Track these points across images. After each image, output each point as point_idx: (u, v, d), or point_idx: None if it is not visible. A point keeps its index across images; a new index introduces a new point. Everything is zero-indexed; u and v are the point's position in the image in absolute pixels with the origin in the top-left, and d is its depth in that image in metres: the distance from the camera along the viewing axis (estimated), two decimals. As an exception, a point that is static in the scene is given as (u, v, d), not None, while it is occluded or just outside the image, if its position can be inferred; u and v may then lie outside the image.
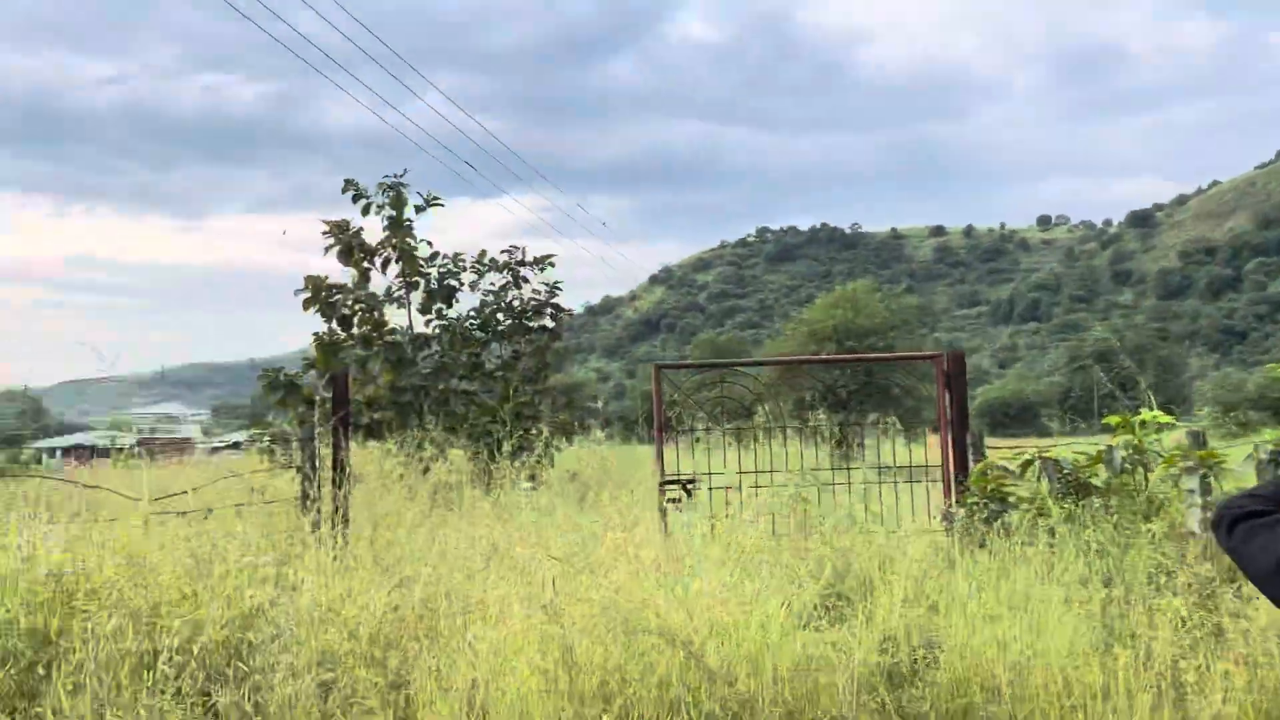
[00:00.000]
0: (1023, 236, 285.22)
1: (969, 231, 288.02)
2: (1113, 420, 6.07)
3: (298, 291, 14.72)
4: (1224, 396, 69.27)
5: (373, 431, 13.85)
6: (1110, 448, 5.82)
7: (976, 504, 6.05)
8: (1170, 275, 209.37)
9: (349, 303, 14.24)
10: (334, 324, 14.52)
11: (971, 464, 7.28)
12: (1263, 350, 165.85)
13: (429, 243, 14.88)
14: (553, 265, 15.60)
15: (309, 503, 6.96)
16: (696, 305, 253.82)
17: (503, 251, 15.49)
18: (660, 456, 7.47)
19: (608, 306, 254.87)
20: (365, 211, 14.67)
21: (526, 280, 15.33)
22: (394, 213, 14.60)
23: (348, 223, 14.33)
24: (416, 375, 14.20)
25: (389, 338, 14.50)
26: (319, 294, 14.42)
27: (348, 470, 7.22)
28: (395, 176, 14.70)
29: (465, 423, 14.31)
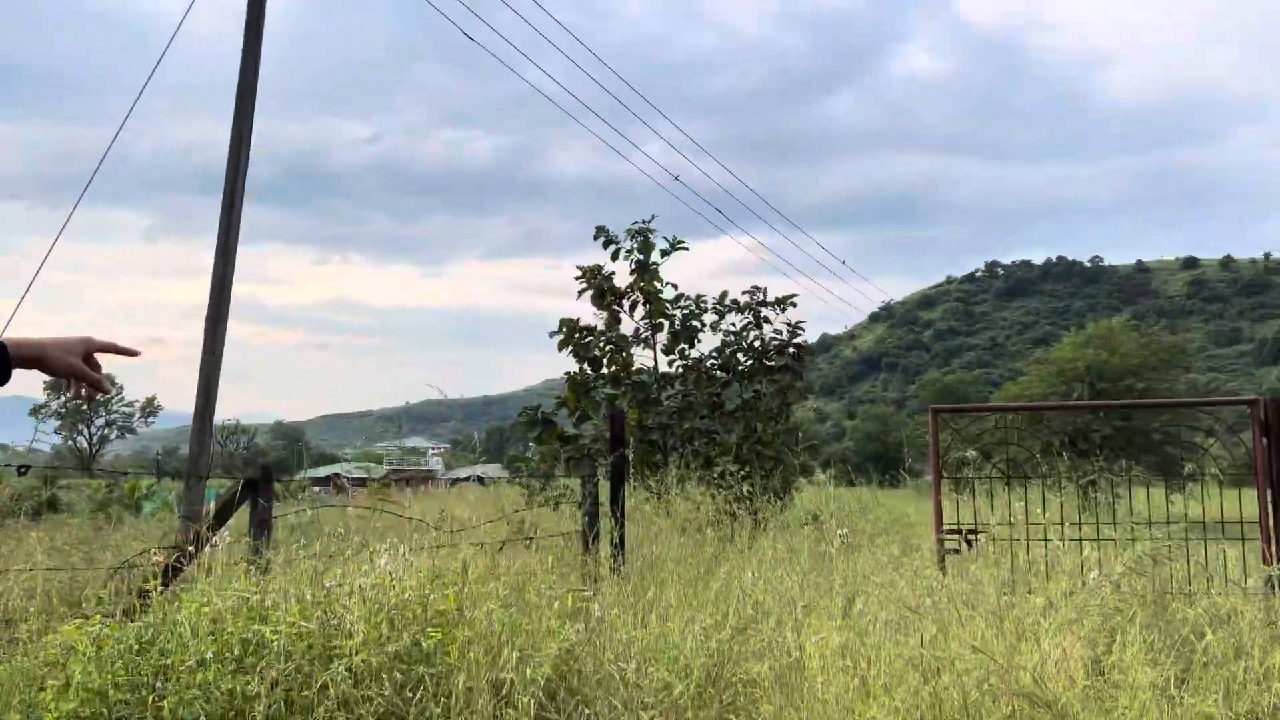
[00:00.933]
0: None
1: (1227, 263, 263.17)
2: None
3: (552, 334, 15.47)
4: None
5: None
6: None
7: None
8: None
9: (600, 344, 14.78)
10: (585, 365, 15.12)
11: (1295, 522, 6.58)
12: None
13: (674, 285, 15.25)
14: (794, 305, 15.57)
15: (592, 540, 7.20)
16: (920, 344, 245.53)
17: (744, 292, 15.63)
18: (938, 505, 7.21)
19: (825, 345, 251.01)
20: (615, 256, 15.25)
21: (768, 320, 15.38)
22: (641, 257, 15.08)
23: (600, 267, 14.92)
24: (662, 414, 14.50)
25: (636, 377, 14.92)
26: (572, 336, 15.08)
27: (626, 508, 7.42)
28: (643, 222, 15.22)
29: (707, 462, 14.47)
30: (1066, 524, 7.23)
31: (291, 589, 4.04)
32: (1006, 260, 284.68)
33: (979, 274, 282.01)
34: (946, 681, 2.95)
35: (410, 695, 3.47)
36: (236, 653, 3.62)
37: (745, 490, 11.88)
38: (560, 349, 15.27)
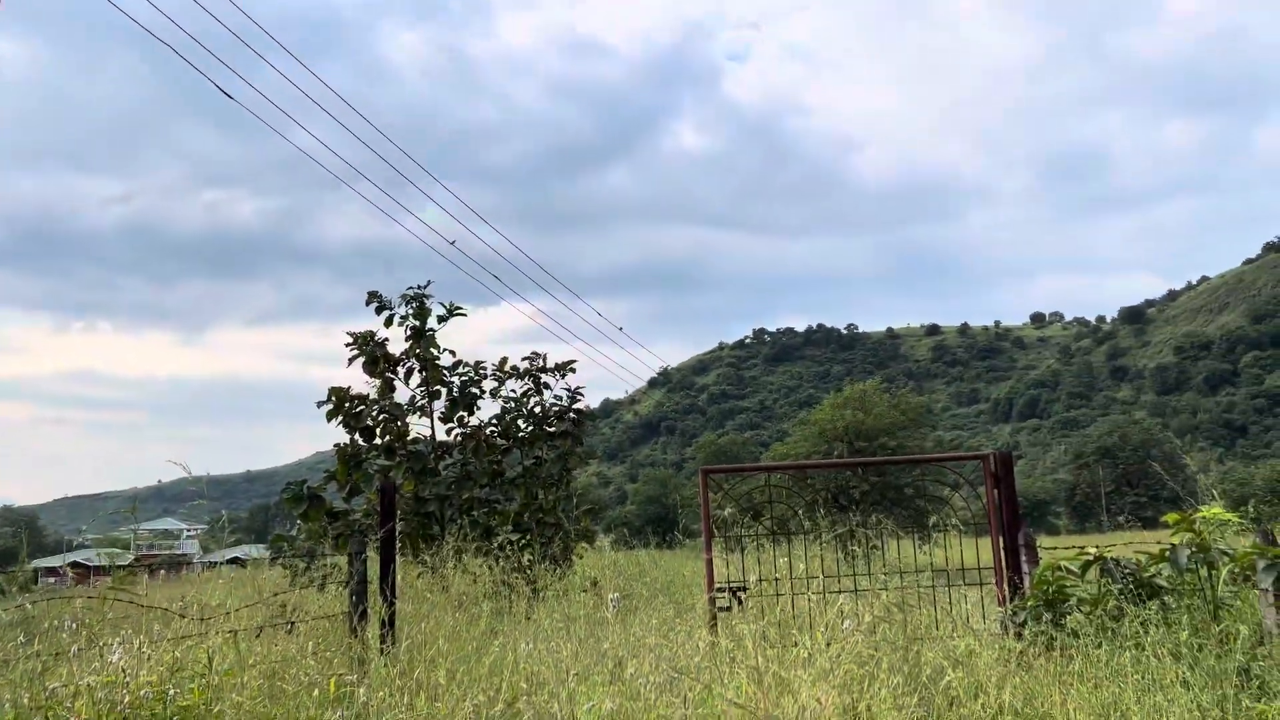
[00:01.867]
0: (1018, 334, 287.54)
1: (964, 330, 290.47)
2: (1172, 518, 6.03)
3: (320, 403, 14.77)
4: (1233, 491, 69.14)
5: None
6: (1174, 546, 5.77)
7: (1038, 606, 5.96)
8: (1167, 370, 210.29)
9: (374, 413, 14.27)
10: (357, 435, 14.53)
11: (1025, 565, 7.20)
12: (1264, 444, 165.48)
13: (452, 351, 15.01)
14: (573, 371, 15.71)
15: (358, 620, 6.85)
16: (696, 407, 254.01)
17: (524, 358, 15.62)
18: (709, 564, 7.39)
19: (607, 410, 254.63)
20: (388, 323, 14.84)
21: (548, 386, 15.43)
22: (417, 323, 14.77)
23: (372, 334, 14.48)
24: (440, 484, 14.13)
25: (411, 447, 14.48)
26: (342, 405, 14.48)
27: (397, 585, 7.12)
28: (419, 287, 14.95)
29: (487, 532, 14.21)
30: (824, 576, 7.59)
31: (6, 694, 3.58)
32: (773, 327, 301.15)
33: (748, 340, 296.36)
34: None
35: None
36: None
37: (525, 559, 11.74)
38: (330, 419, 14.60)
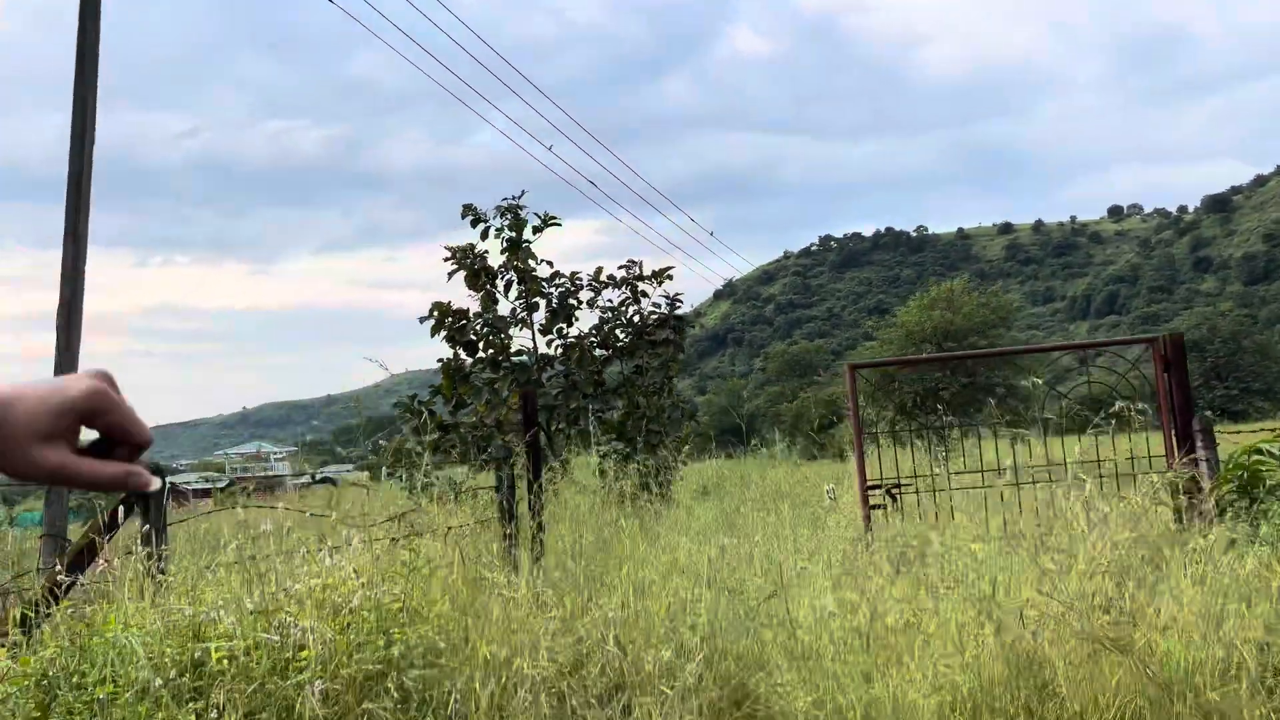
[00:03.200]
0: (1095, 229, 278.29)
1: (1038, 227, 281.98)
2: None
3: (423, 319, 14.78)
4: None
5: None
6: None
7: (1231, 494, 5.62)
8: (1255, 260, 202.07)
9: (477, 327, 14.22)
10: (459, 350, 14.53)
11: (1202, 452, 6.83)
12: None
13: (549, 263, 14.81)
14: (670, 278, 15.44)
15: (511, 527, 6.80)
16: (763, 318, 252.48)
17: (620, 267, 15.38)
18: (861, 460, 7.16)
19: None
20: (484, 235, 14.68)
21: (645, 294, 15.19)
22: (513, 234, 14.57)
23: (472, 246, 14.34)
24: (545, 395, 14.10)
25: (515, 359, 14.45)
26: (444, 320, 14.45)
27: (544, 491, 7.05)
28: (513, 198, 14.69)
29: (595, 440, 14.20)
30: (984, 470, 7.30)
31: (224, 599, 3.52)
32: (838, 234, 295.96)
33: (814, 248, 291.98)
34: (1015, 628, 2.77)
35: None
36: (172, 676, 3.10)
37: (642, 466, 11.72)
38: (433, 334, 14.62)
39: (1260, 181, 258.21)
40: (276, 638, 3.01)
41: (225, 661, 3.00)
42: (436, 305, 14.38)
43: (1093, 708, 2.51)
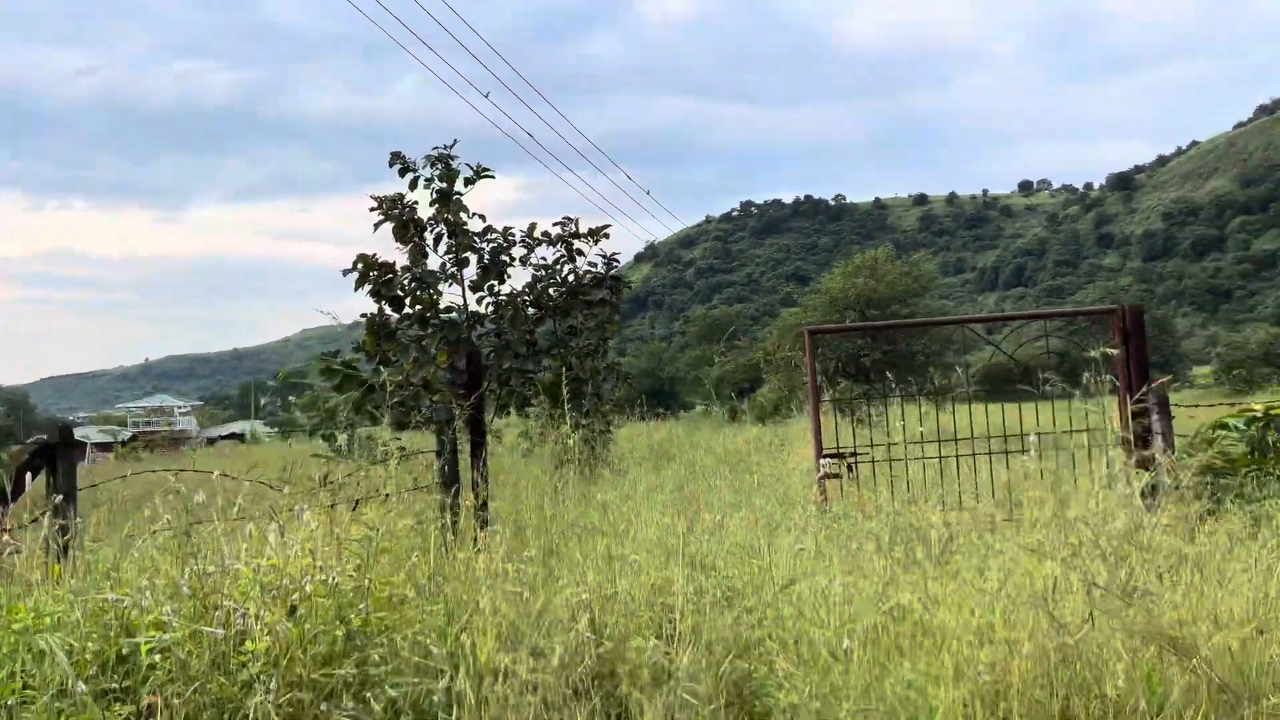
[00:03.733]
0: (1006, 203, 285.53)
1: (952, 199, 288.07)
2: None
3: (346, 272, 14.11)
4: (1226, 355, 69.89)
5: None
6: (1359, 401, 5.34)
7: (1198, 470, 5.56)
8: (1154, 237, 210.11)
9: (404, 282, 13.63)
10: (384, 305, 13.94)
11: (1157, 424, 6.79)
12: (1248, 309, 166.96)
13: (482, 216, 14.26)
14: (607, 237, 15.04)
15: (451, 495, 6.40)
16: (684, 281, 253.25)
17: (555, 224, 14.92)
18: (817, 427, 6.95)
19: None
20: (413, 186, 14.04)
21: (581, 253, 14.77)
22: (444, 185, 13.97)
23: (400, 196, 13.70)
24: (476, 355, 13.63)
25: (444, 316, 13.92)
26: (369, 273, 13.82)
27: (487, 455, 6.67)
28: (445, 147, 14.07)
29: (524, 402, 13.85)
30: (941, 441, 7.18)
31: (154, 582, 3.09)
32: (759, 200, 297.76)
33: (735, 213, 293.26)
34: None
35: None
36: (94, 673, 2.68)
37: (576, 430, 11.38)
38: (357, 288, 13.97)
39: (1162, 161, 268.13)
40: (220, 631, 2.60)
41: (158, 657, 2.60)
42: (361, 258, 13.74)
43: (1149, 714, 2.31)
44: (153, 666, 2.64)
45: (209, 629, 2.62)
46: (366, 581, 3.08)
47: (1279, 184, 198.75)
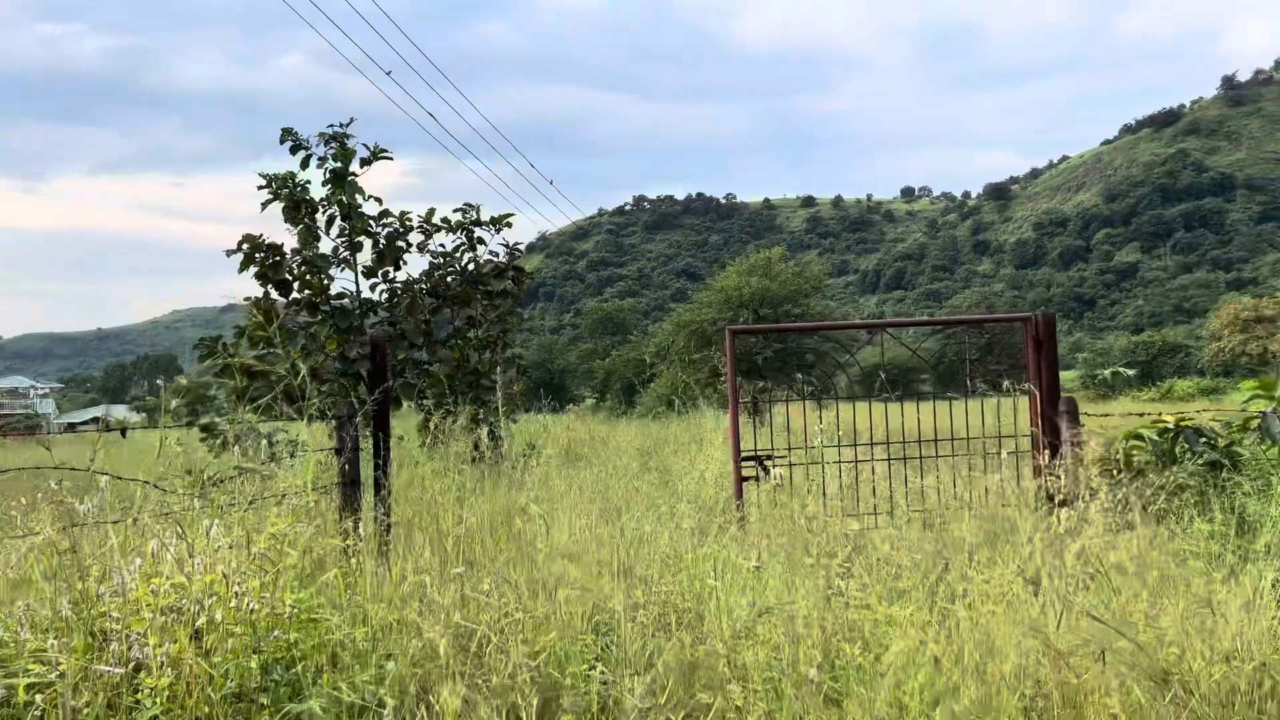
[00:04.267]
0: (889, 207, 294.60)
1: (838, 202, 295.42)
2: (1250, 386, 5.73)
3: (230, 252, 13.31)
4: (1093, 359, 74.22)
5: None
6: (1266, 413, 5.48)
7: (1111, 477, 5.64)
8: (1026, 246, 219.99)
9: (294, 265, 12.95)
10: (271, 289, 13.23)
11: (1065, 433, 6.89)
12: (1109, 317, 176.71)
13: (378, 199, 13.66)
14: (510, 226, 14.66)
15: (350, 496, 6.02)
16: (575, 274, 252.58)
17: (455, 210, 14.43)
18: (735, 428, 6.80)
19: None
20: (305, 164, 13.33)
21: (482, 241, 14.34)
22: (339, 165, 13.32)
23: (292, 175, 12.99)
24: (368, 344, 13.07)
25: (336, 303, 13.29)
26: (254, 255, 13.09)
27: (390, 457, 6.30)
28: (340, 125, 13.41)
29: (420, 395, 13.39)
30: (856, 445, 7.13)
31: (26, 603, 2.68)
32: (652, 195, 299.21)
33: (627, 207, 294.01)
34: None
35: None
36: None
37: (463, 424, 11.01)
38: (241, 269, 13.17)
39: (1035, 174, 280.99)
40: (118, 670, 2.22)
41: (38, 697, 2.21)
42: (248, 238, 12.96)
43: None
44: (30, 704, 2.25)
45: (106, 667, 2.24)
46: (285, 605, 2.73)
47: (1140, 200, 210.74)
